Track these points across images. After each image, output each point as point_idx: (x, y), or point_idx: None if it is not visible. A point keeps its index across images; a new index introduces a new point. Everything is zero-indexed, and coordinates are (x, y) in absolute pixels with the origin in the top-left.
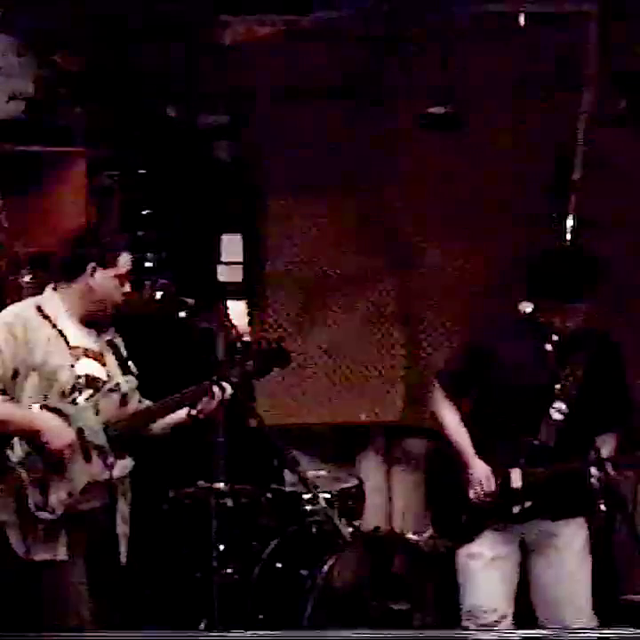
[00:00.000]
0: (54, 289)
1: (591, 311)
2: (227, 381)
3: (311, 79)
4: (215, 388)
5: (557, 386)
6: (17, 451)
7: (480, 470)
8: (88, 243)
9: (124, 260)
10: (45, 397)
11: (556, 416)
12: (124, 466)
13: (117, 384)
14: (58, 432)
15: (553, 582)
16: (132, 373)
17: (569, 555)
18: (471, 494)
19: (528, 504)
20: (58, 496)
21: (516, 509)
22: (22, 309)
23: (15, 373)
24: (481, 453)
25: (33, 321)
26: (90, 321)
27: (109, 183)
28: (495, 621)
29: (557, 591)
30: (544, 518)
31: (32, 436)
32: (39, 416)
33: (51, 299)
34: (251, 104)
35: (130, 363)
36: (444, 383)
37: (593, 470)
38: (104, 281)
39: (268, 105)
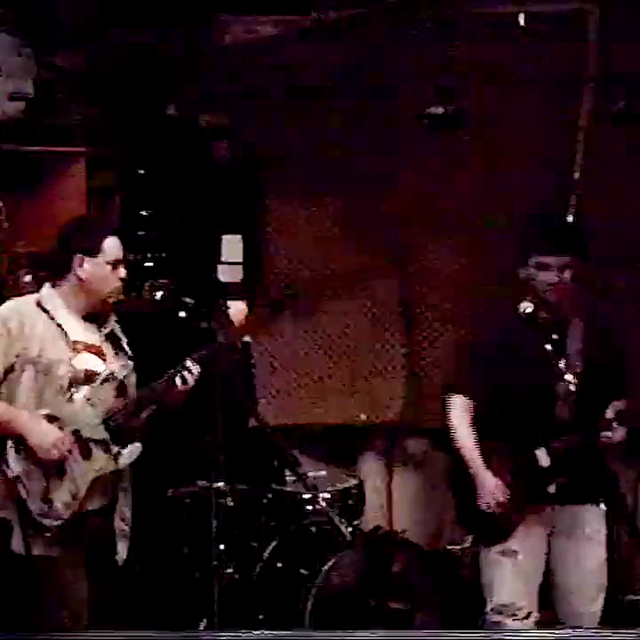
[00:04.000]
0: (52, 286)
1: (577, 269)
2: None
3: (311, 79)
4: (177, 379)
5: (563, 361)
6: (13, 466)
7: (489, 482)
8: (72, 235)
9: (110, 245)
10: (42, 392)
11: (568, 390)
12: (130, 452)
13: (112, 373)
14: (40, 435)
15: (576, 571)
16: (128, 357)
17: (594, 545)
18: (482, 506)
19: (561, 480)
20: (61, 500)
21: (551, 489)
22: (20, 303)
23: (10, 368)
24: (503, 439)
25: (30, 315)
26: (91, 314)
27: (109, 183)
28: (525, 616)
29: (579, 579)
30: (576, 501)
31: (18, 439)
32: (21, 418)
33: (49, 295)
34: (251, 104)
35: (126, 347)
36: (454, 388)
37: (603, 433)
38: (94, 270)
39: (268, 105)
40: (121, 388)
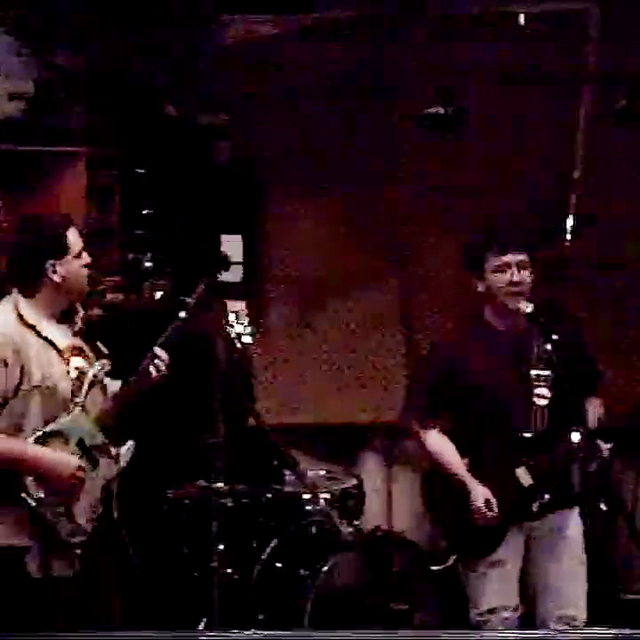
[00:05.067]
0: (25, 296)
1: (533, 267)
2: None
3: (311, 79)
4: (151, 368)
5: (534, 372)
6: (34, 492)
7: (479, 496)
8: (34, 240)
9: (74, 238)
10: (50, 411)
11: (541, 402)
12: (127, 450)
13: (95, 376)
14: (60, 468)
15: (557, 573)
16: (104, 356)
17: (573, 547)
18: (476, 518)
19: (546, 497)
20: (85, 516)
21: (535, 507)
22: (6, 325)
23: (11, 396)
24: (480, 459)
25: (20, 337)
26: (64, 314)
27: (109, 183)
28: (514, 609)
29: (561, 581)
30: (559, 508)
31: (38, 474)
32: (39, 455)
33: (27, 306)
34: (251, 104)
35: (99, 344)
36: (418, 413)
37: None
38: (67, 269)
39: (268, 105)
40: (104, 388)
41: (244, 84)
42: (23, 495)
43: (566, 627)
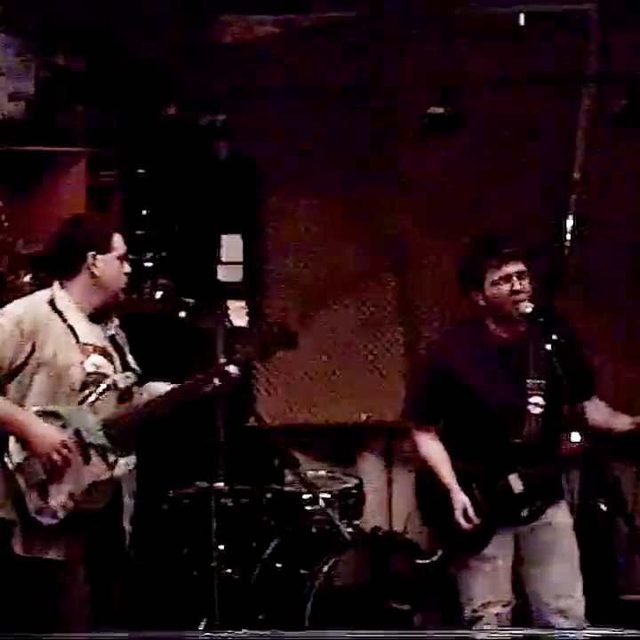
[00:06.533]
0: (61, 286)
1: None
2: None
3: (311, 79)
4: (215, 380)
5: (529, 381)
6: (14, 456)
7: (458, 504)
8: (83, 234)
9: (119, 240)
10: (54, 395)
11: (536, 410)
12: (126, 463)
13: (114, 382)
14: (44, 437)
15: (550, 566)
16: (131, 369)
17: (564, 539)
18: (457, 524)
19: (536, 504)
20: (58, 499)
21: (524, 513)
22: (34, 303)
23: (17, 369)
24: (473, 462)
25: (44, 315)
26: (96, 315)
27: (109, 183)
28: (506, 604)
29: (555, 574)
30: (547, 509)
31: (23, 440)
32: (28, 420)
33: (61, 294)
34: (251, 104)
35: (129, 358)
36: (416, 416)
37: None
38: (107, 266)
39: (267, 105)
40: (123, 397)
41: (245, 83)
42: (5, 459)
43: (564, 619)
